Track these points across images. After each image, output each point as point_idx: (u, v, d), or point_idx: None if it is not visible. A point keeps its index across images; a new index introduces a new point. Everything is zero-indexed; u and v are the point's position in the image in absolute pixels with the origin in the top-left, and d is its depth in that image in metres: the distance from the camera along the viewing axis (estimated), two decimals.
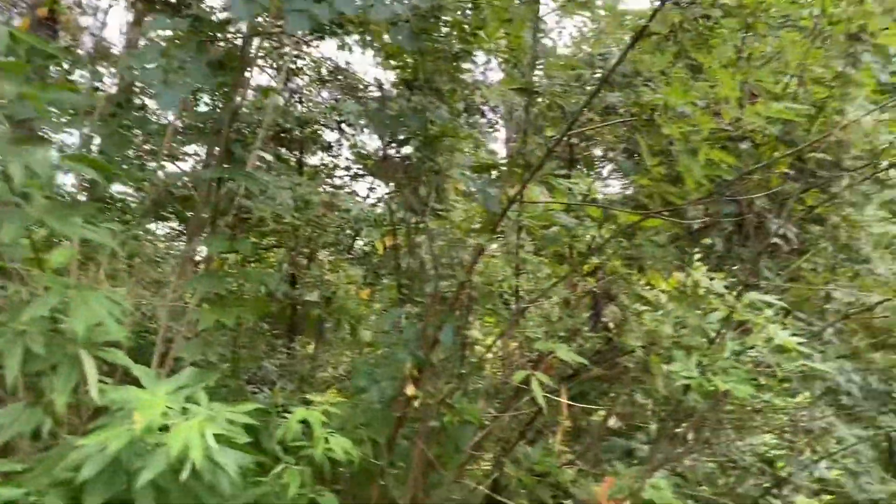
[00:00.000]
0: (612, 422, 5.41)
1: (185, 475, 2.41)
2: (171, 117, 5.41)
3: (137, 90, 7.60)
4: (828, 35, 4.54)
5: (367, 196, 9.18)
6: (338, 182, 12.29)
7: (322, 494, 3.26)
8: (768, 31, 5.13)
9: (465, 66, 4.99)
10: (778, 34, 5.05)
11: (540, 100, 4.75)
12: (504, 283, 3.76)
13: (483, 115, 6.83)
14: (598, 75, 4.93)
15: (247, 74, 5.06)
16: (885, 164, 5.15)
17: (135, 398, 2.66)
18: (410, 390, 3.74)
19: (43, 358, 2.71)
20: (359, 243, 9.20)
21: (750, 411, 5.77)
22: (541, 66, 4.96)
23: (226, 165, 4.55)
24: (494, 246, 3.62)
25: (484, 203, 3.69)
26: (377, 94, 4.86)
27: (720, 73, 3.44)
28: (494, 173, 4.39)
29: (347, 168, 12.67)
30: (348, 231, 8.95)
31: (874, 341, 5.27)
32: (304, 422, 3.39)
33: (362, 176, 11.81)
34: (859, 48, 4.08)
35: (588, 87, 4.78)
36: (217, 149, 4.65)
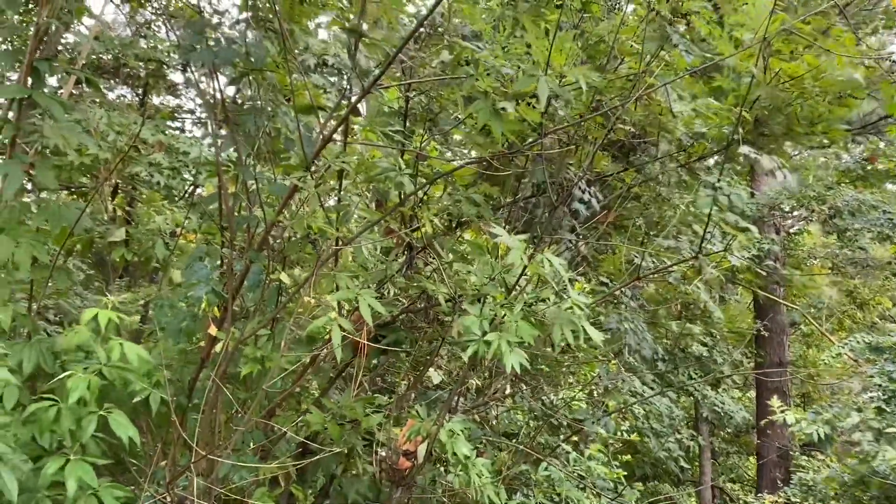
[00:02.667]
0: (435, 374, 5.57)
1: None
2: None
3: None
4: (651, 17, 4.83)
5: (211, 142, 8.87)
6: (180, 125, 11.70)
7: (111, 412, 3.13)
8: (604, 14, 5.38)
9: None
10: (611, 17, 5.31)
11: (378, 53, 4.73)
12: (317, 225, 3.72)
13: (341, 73, 6.74)
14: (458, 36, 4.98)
15: None
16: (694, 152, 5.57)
17: None
18: (213, 330, 3.65)
19: None
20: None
21: (563, 371, 6.14)
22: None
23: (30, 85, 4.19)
24: (312, 187, 3.56)
25: (301, 142, 3.63)
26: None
27: (536, 40, 3.56)
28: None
29: (192, 112, 12.07)
30: (187, 176, 8.58)
31: (669, 306, 5.72)
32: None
33: (206, 123, 11.32)
34: (670, 30, 4.36)
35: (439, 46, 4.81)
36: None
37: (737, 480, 15.40)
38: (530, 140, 3.91)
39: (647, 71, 4.56)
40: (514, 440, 5.66)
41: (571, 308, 3.61)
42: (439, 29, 4.57)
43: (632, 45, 4.86)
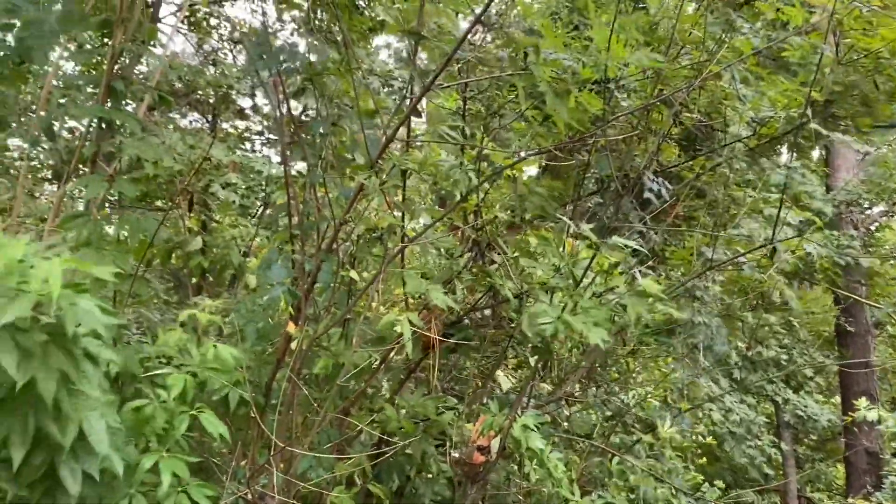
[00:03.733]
0: (504, 380, 5.54)
1: (51, 313, 2.22)
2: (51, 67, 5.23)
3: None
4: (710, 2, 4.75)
5: (281, 162, 9.13)
6: (249, 146, 12.12)
7: (202, 410, 3.23)
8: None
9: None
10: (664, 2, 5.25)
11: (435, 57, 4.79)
12: (384, 223, 3.79)
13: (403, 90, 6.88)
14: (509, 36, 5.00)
15: (137, 15, 4.88)
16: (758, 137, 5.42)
17: None
18: (291, 328, 3.74)
19: None
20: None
21: (630, 370, 6.04)
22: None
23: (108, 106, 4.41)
24: (375, 186, 3.62)
25: (365, 143, 3.71)
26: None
27: (597, 29, 3.54)
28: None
29: (261, 133, 12.48)
30: (261, 193, 8.86)
31: (745, 298, 5.56)
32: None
33: (275, 142, 11.69)
34: (734, 14, 4.28)
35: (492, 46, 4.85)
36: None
37: (825, 489, 14.72)
38: (591, 130, 3.89)
39: (709, 58, 4.48)
40: (586, 440, 5.58)
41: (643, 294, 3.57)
42: (495, 26, 4.60)
43: (692, 33, 4.79)
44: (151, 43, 6.15)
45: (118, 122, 4.65)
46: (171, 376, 3.11)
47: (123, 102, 4.59)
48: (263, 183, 8.65)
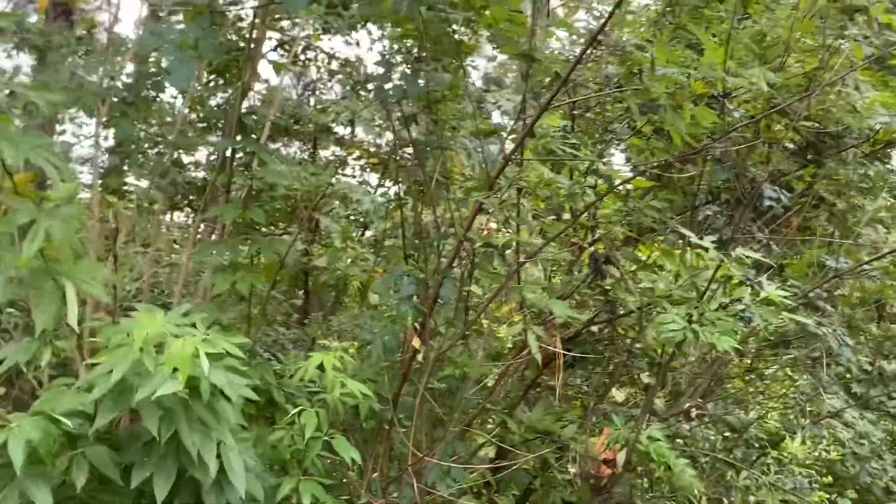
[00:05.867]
0: (618, 393, 5.53)
1: (177, 387, 2.48)
2: (181, 105, 5.65)
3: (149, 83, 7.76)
4: (821, 10, 4.67)
5: (378, 188, 9.43)
6: (349, 173, 12.55)
7: (334, 437, 3.41)
8: (763, 12, 5.27)
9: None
10: (773, 13, 5.19)
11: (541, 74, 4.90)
12: (502, 241, 3.92)
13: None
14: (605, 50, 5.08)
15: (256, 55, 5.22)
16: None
17: (135, 323, 2.70)
18: (416, 342, 3.90)
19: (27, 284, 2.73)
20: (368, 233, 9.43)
21: (748, 383, 5.91)
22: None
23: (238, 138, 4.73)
24: (494, 204, 3.76)
25: (483, 162, 3.86)
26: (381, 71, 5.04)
27: (707, 42, 3.57)
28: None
29: (359, 158, 12.91)
30: (361, 219, 9.19)
31: (867, 309, 5.36)
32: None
33: (373, 168, 12.07)
34: (847, 20, 4.20)
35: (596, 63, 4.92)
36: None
37: None
38: (705, 143, 3.90)
39: (823, 66, 4.41)
40: (710, 455, 5.50)
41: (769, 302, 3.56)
42: (602, 44, 4.67)
43: (800, 41, 4.71)
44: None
45: (241, 153, 4.95)
46: (305, 412, 3.31)
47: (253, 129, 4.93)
48: (364, 212, 8.94)
